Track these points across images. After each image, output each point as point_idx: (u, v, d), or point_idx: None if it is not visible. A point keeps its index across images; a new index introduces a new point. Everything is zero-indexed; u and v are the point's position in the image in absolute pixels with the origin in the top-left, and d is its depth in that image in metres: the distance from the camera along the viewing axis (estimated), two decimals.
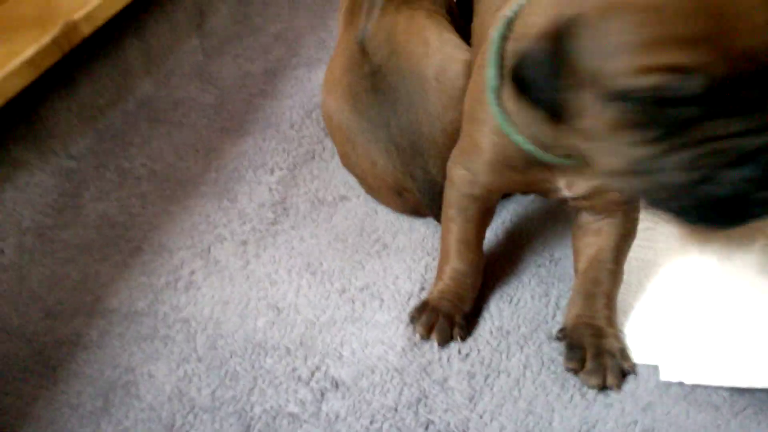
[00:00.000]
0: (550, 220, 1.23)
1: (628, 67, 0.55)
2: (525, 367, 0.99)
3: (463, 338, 1.02)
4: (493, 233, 1.21)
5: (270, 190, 1.35)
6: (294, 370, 1.03)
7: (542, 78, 0.62)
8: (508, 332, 1.04)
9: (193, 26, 1.92)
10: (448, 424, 0.93)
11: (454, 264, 1.04)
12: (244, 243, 1.24)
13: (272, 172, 1.40)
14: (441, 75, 1.14)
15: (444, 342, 1.01)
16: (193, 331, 1.09)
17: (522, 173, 0.89)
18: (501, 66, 0.78)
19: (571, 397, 0.94)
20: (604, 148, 0.62)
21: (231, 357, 1.05)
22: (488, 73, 0.81)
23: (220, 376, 1.03)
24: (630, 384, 0.94)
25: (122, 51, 1.70)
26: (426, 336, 1.01)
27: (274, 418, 0.97)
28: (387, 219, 1.27)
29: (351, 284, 1.15)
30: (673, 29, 0.52)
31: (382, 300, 1.12)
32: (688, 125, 0.54)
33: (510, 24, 0.77)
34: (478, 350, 1.02)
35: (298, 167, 1.41)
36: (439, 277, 1.07)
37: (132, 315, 1.12)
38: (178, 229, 1.28)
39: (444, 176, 1.08)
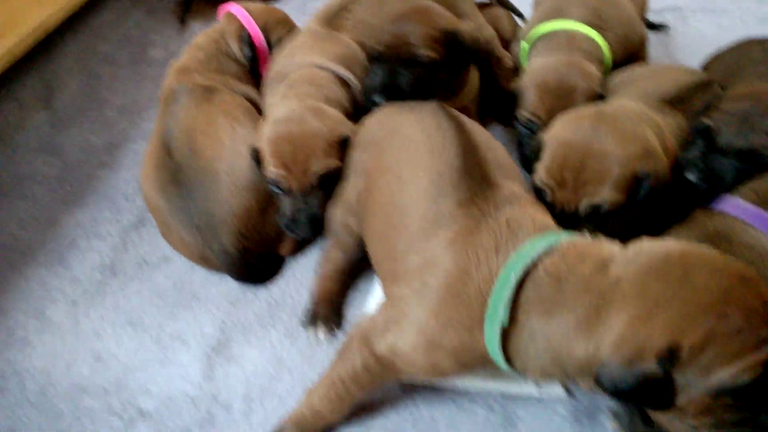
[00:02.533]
0: None
1: (730, 375, 0.78)
2: (291, 388, 1.30)
3: None
4: None
5: (101, 255, 1.60)
6: (109, 406, 1.29)
7: (652, 393, 0.81)
8: (283, 361, 1.36)
9: (41, 102, 2.13)
10: None
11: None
12: (75, 303, 1.49)
13: (104, 239, 1.65)
14: (231, 170, 1.46)
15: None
16: (25, 382, 1.33)
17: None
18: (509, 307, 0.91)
19: None
20: (697, 419, 0.84)
21: (57, 400, 1.30)
22: (494, 308, 0.91)
23: (48, 417, 1.27)
24: None
25: None
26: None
27: None
28: (202, 275, 1.55)
29: (164, 332, 1.43)
30: (753, 340, 0.78)
31: (187, 344, 1.40)
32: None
33: (528, 269, 0.91)
34: (260, 377, 1.33)
35: (128, 233, 1.67)
36: None
37: None
38: (15, 294, 1.50)
39: (235, 247, 1.42)
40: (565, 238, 0.95)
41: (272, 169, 1.38)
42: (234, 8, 1.79)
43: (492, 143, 1.23)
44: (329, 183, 1.40)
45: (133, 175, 1.85)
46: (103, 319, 1.46)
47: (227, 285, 1.52)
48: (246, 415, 1.26)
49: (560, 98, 1.49)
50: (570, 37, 1.63)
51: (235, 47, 1.74)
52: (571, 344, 0.87)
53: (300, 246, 1.58)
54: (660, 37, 2.28)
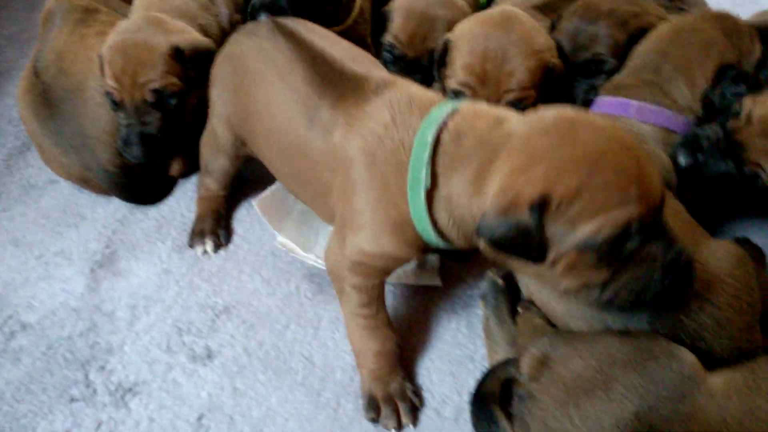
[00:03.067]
0: None
1: (593, 229, 0.81)
2: (177, 296, 1.32)
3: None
4: None
5: None
6: None
7: (525, 243, 0.83)
8: (170, 272, 1.36)
9: None
10: (109, 342, 1.24)
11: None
12: None
13: None
14: (101, 84, 1.41)
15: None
16: None
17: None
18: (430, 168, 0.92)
19: (206, 312, 1.29)
20: (565, 277, 0.87)
21: None
22: (416, 172, 0.92)
23: None
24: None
25: None
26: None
27: None
28: (89, 196, 1.53)
29: (48, 250, 1.41)
30: (618, 198, 0.80)
31: (71, 260, 1.39)
32: (630, 254, 0.85)
33: (440, 129, 0.92)
34: (146, 288, 1.33)
35: (13, 158, 1.62)
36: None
37: None
38: None
39: (115, 165, 1.40)
40: (466, 103, 0.98)
41: (108, 80, 1.31)
42: None
43: (338, 41, 1.20)
44: (169, 103, 1.33)
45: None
46: None
47: (116, 205, 1.51)
48: (130, 323, 1.27)
49: (422, 25, 1.50)
50: None
51: None
52: (470, 200, 0.89)
53: (191, 167, 1.57)
54: None
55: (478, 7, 1.65)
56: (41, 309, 1.29)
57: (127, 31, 1.31)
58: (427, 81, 1.48)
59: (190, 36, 1.36)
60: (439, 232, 0.97)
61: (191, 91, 1.37)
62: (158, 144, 1.33)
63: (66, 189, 1.55)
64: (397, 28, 1.52)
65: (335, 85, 1.07)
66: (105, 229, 1.46)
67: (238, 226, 1.46)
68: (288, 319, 1.27)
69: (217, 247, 1.40)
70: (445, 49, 1.34)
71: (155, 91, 1.30)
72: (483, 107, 0.97)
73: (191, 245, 1.40)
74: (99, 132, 1.40)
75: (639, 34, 1.36)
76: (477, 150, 0.90)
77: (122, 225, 1.47)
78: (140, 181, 1.48)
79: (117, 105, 1.32)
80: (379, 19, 1.55)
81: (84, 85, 1.41)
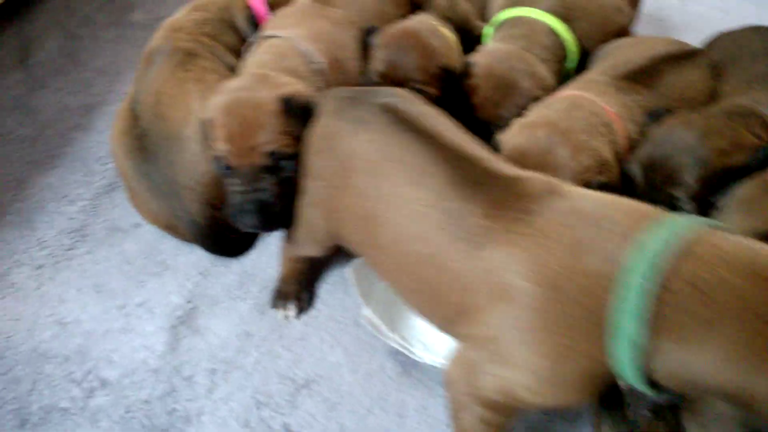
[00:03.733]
0: None
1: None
2: (257, 363, 1.27)
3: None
4: None
5: (70, 218, 1.56)
6: (70, 373, 1.25)
7: None
8: (251, 335, 1.32)
9: (17, 61, 2.06)
10: (187, 410, 1.20)
11: None
12: (41, 267, 1.45)
13: (74, 202, 1.60)
14: (196, 135, 1.39)
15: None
16: None
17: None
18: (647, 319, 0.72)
19: (286, 384, 1.24)
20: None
21: (16, 365, 1.26)
22: (622, 322, 0.73)
23: (4, 381, 1.24)
24: None
25: None
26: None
27: (48, 412, 1.19)
28: (172, 243, 1.51)
29: (131, 300, 1.39)
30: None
31: (153, 313, 1.36)
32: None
33: (666, 272, 0.72)
34: (225, 350, 1.30)
35: (100, 197, 1.62)
36: None
37: None
38: None
39: (203, 217, 1.37)
40: (695, 226, 0.76)
41: (218, 144, 1.17)
42: None
43: (461, 131, 1.04)
44: (283, 168, 1.18)
45: (107, 137, 1.78)
46: (68, 283, 1.42)
47: (198, 255, 1.49)
48: (209, 390, 1.23)
49: (499, 89, 1.41)
50: (531, 27, 1.54)
51: (239, 20, 1.66)
52: (723, 376, 0.70)
53: None
54: (658, 20, 2.23)
55: (562, 77, 1.58)
56: (121, 365, 1.27)
57: (238, 89, 1.20)
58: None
59: (295, 88, 1.24)
60: (653, 383, 0.78)
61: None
62: (274, 212, 1.19)
63: (150, 234, 1.53)
64: (473, 86, 1.43)
65: (485, 189, 0.89)
66: (187, 282, 1.43)
67: (318, 287, 1.41)
68: (371, 402, 1.20)
69: (300, 311, 1.36)
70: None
71: (271, 154, 1.17)
72: (726, 240, 0.74)
73: (274, 307, 1.36)
74: (191, 182, 1.38)
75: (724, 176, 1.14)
76: (740, 316, 0.69)
77: (204, 278, 1.44)
78: (226, 234, 1.45)
79: (228, 170, 1.19)
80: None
81: (180, 134, 1.40)
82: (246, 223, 1.18)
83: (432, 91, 1.39)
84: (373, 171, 1.00)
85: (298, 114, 1.17)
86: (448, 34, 1.51)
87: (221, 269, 1.46)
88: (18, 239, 1.50)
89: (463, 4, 1.72)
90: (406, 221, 0.95)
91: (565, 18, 1.57)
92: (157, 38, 1.58)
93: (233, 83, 1.23)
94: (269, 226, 1.21)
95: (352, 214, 1.06)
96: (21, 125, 1.84)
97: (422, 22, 1.48)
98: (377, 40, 1.44)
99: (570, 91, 1.34)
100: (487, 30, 1.67)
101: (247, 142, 1.15)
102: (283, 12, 1.58)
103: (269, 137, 1.15)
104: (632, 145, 1.27)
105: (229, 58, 1.64)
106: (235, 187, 1.18)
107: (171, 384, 1.24)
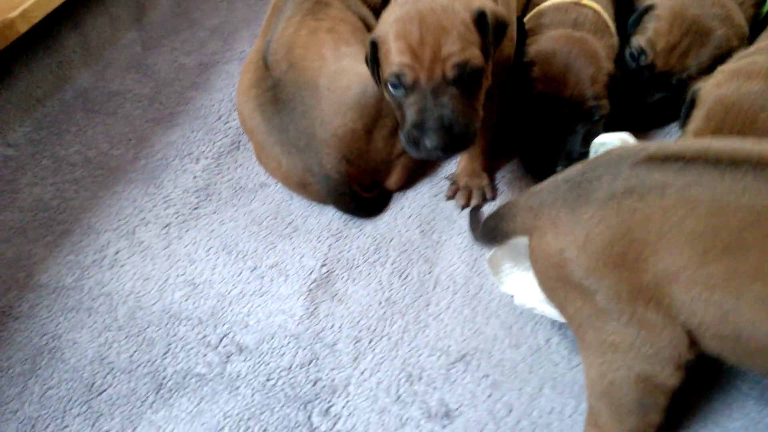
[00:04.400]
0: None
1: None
2: (404, 332, 1.14)
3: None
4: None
5: (194, 177, 1.48)
6: (204, 337, 1.16)
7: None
8: (394, 302, 1.19)
9: (132, 20, 2.02)
10: (333, 380, 1.08)
11: None
12: (167, 226, 1.37)
13: (197, 160, 1.52)
14: (332, 84, 1.27)
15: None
16: (115, 304, 1.22)
17: None
18: None
19: (438, 357, 1.10)
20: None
21: (148, 326, 1.19)
22: None
23: (138, 343, 1.16)
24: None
25: (60, 44, 1.80)
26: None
27: (184, 377, 1.11)
28: (300, 204, 1.41)
29: (262, 262, 1.29)
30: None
31: (287, 276, 1.26)
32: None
33: None
34: (368, 317, 1.17)
35: (223, 156, 1.54)
36: None
37: (60, 289, 1.25)
38: (106, 213, 1.40)
39: (338, 172, 1.25)
40: None
41: (396, 58, 1.05)
42: None
43: None
44: (468, 84, 1.07)
45: (226, 95, 1.71)
46: (196, 243, 1.33)
47: (328, 216, 1.37)
48: (355, 359, 1.11)
49: (689, 35, 1.29)
50: None
51: None
52: None
53: (410, 179, 1.40)
54: None
55: (756, 19, 1.37)
56: (258, 330, 1.16)
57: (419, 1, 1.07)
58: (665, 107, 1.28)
59: (489, 2, 1.13)
60: None
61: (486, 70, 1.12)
62: (459, 132, 1.05)
63: (277, 195, 1.43)
64: (657, 31, 1.28)
65: None
66: (320, 244, 1.31)
67: (460, 261, 1.26)
68: (541, 381, 1.05)
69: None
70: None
71: (458, 65, 1.04)
72: None
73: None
74: (328, 135, 1.26)
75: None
76: None
77: (337, 240, 1.32)
78: (360, 191, 1.32)
79: (407, 87, 1.07)
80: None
81: (317, 84, 1.28)
82: (431, 142, 1.05)
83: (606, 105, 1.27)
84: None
85: (490, 30, 1.07)
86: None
87: (355, 231, 1.33)
88: (144, 197, 1.44)
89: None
90: None
91: None
92: None
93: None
94: (455, 146, 1.07)
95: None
96: (139, 83, 1.79)
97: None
98: (527, 56, 1.31)
99: None
100: None
101: (434, 51, 1.04)
102: None
103: (458, 47, 1.03)
104: None
105: (362, 9, 1.51)
106: (411, 105, 1.07)
107: (313, 351, 1.12)
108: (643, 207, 0.74)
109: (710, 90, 1.03)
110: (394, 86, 1.08)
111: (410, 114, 1.07)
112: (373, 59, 1.12)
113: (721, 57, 1.25)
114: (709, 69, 1.22)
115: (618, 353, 0.80)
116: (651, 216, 0.73)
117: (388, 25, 1.08)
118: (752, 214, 0.68)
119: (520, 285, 1.07)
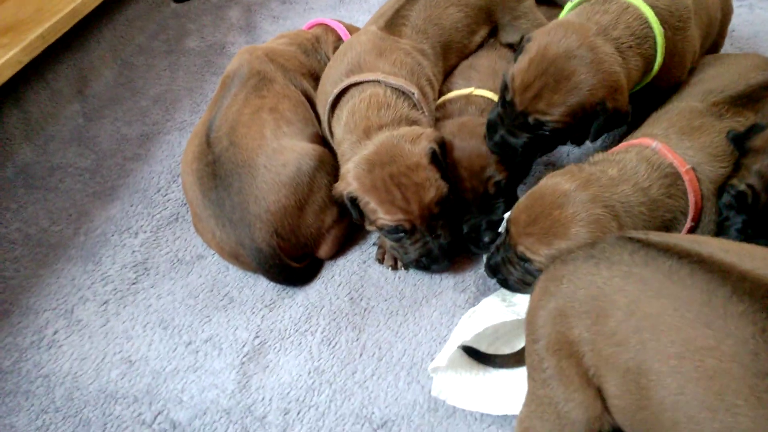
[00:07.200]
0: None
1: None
2: (330, 401, 1.21)
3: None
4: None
5: (133, 252, 1.53)
6: (140, 415, 1.21)
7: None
8: (322, 371, 1.27)
9: (74, 92, 2.07)
10: None
11: None
12: (105, 303, 1.42)
13: (136, 235, 1.58)
14: (270, 162, 1.36)
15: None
16: (53, 386, 1.26)
17: None
18: None
19: (362, 425, 1.17)
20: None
21: (85, 407, 1.23)
22: None
23: (74, 424, 1.20)
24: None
25: (1, 122, 1.84)
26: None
27: None
28: (236, 275, 1.47)
29: (197, 336, 1.35)
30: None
31: (221, 349, 1.32)
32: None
33: None
34: (297, 388, 1.24)
35: (162, 229, 1.60)
36: None
37: None
38: (45, 292, 1.44)
39: (269, 245, 1.31)
40: None
41: (386, 218, 1.28)
42: (332, 23, 1.78)
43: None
44: (445, 206, 1.32)
45: (166, 167, 1.78)
46: (134, 319, 1.39)
47: (263, 286, 1.44)
48: (283, 429, 1.17)
49: (547, 76, 1.16)
50: (621, 6, 1.25)
51: (328, 53, 1.71)
52: None
53: (341, 248, 1.49)
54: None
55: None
56: (192, 406, 1.22)
57: (384, 163, 1.28)
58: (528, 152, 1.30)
59: (427, 129, 1.37)
60: None
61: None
62: (452, 248, 1.35)
63: (213, 266, 1.50)
64: (516, 68, 1.22)
65: None
66: (254, 315, 1.38)
67: (388, 321, 1.34)
68: None
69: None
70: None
71: (438, 203, 1.29)
72: None
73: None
74: (261, 210, 1.34)
75: None
76: None
77: (270, 311, 1.39)
78: (291, 263, 1.40)
79: (407, 233, 1.31)
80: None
81: (254, 162, 1.37)
82: (440, 268, 1.37)
83: None
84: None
85: (443, 160, 1.34)
86: None
87: (288, 301, 1.41)
88: (83, 274, 1.48)
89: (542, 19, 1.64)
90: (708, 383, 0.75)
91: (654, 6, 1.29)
92: (234, 62, 1.58)
93: (370, 152, 1.29)
94: (454, 255, 1.38)
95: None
96: (80, 156, 1.84)
97: None
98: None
99: None
100: (569, 4, 1.42)
101: (420, 205, 1.27)
102: (354, 49, 1.48)
103: (435, 190, 1.28)
104: None
105: (304, 83, 1.62)
106: (411, 244, 1.33)
107: (243, 426, 1.18)
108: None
109: None
110: (393, 232, 1.30)
111: (414, 249, 1.33)
112: (354, 206, 1.32)
113: (588, 107, 1.17)
114: (571, 117, 1.16)
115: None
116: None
117: (362, 189, 1.28)
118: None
119: (453, 386, 1.18)
